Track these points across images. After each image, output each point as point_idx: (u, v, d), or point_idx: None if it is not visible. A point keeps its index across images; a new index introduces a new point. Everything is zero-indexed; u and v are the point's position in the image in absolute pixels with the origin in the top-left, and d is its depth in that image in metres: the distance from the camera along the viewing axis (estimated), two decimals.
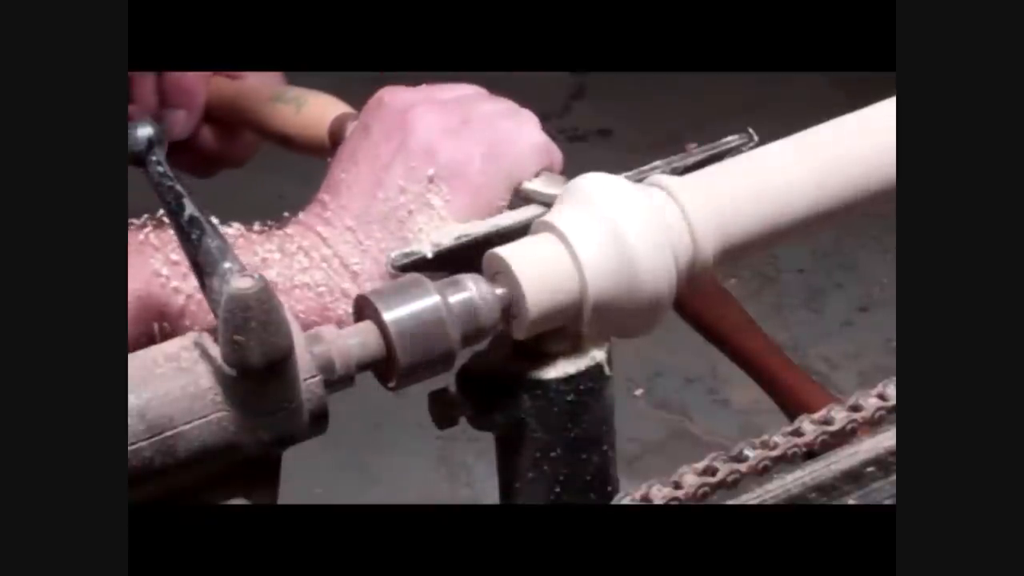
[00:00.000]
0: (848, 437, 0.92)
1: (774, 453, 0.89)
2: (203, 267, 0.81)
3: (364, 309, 0.83)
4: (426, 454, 2.83)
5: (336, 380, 0.80)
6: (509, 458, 0.91)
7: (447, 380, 0.91)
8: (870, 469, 0.92)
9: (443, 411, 0.92)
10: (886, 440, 0.93)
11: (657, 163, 0.97)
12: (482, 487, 2.70)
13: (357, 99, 1.10)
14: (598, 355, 0.90)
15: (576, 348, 0.90)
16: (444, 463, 2.85)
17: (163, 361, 0.77)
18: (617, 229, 0.85)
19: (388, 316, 0.82)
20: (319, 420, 0.79)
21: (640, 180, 0.91)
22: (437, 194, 0.96)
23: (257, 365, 0.74)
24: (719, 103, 3.51)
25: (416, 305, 0.82)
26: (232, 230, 0.94)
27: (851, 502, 0.90)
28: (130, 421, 0.75)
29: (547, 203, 0.93)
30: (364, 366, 0.82)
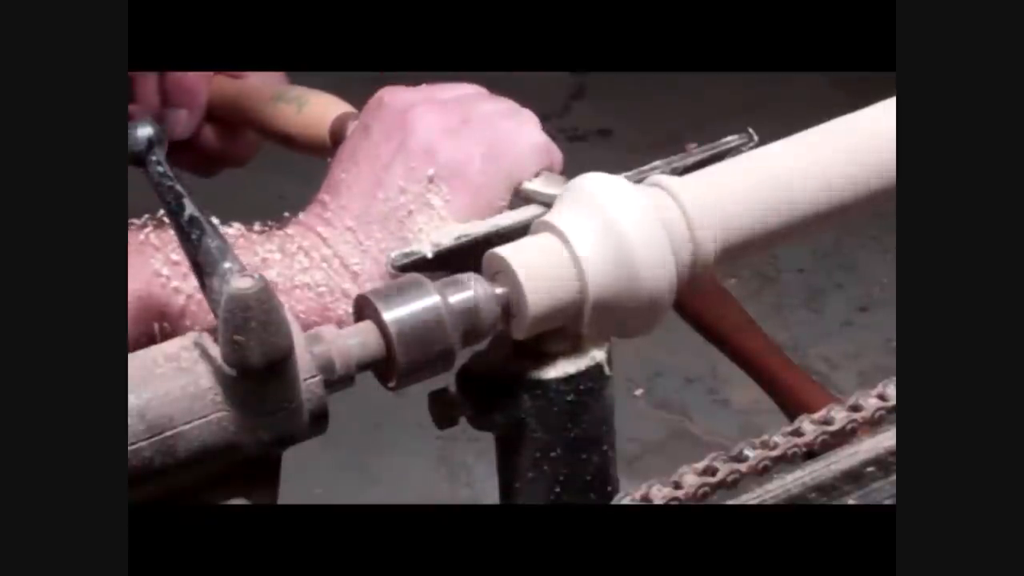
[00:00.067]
0: (848, 437, 0.92)
1: (774, 453, 0.89)
2: (203, 267, 0.81)
3: (364, 309, 0.83)
4: (426, 454, 2.83)
5: (336, 380, 0.80)
6: (509, 458, 0.91)
7: (447, 380, 0.91)
8: (870, 469, 0.92)
9: (443, 411, 0.92)
10: (886, 440, 0.93)
11: (657, 163, 0.97)
12: (482, 487, 2.70)
13: (357, 99, 1.11)
14: (598, 355, 0.90)
15: (576, 348, 0.90)
16: (444, 463, 2.85)
17: (163, 361, 0.77)
18: (617, 229, 0.85)
19: (388, 316, 0.82)
20: (319, 420, 0.79)
21: (640, 180, 0.91)
22: (437, 194, 0.96)
23: (257, 365, 0.74)
24: (719, 103, 3.51)
25: (416, 305, 0.82)
26: (232, 230, 0.94)
27: (851, 502, 0.90)
28: (130, 421, 0.75)
29: (547, 203, 0.93)
30: (364, 366, 0.82)
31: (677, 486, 0.87)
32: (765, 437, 0.89)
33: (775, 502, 0.90)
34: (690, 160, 0.97)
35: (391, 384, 0.83)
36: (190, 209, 0.82)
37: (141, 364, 0.77)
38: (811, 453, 0.91)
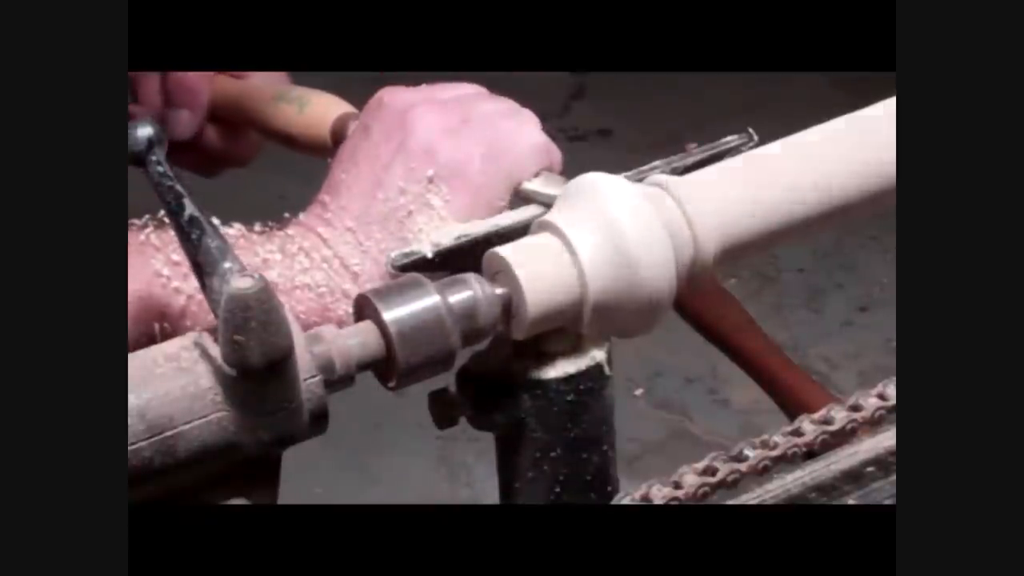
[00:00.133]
0: (848, 437, 0.92)
1: (774, 453, 0.89)
2: (203, 267, 0.81)
3: (364, 309, 0.83)
4: (426, 454, 2.83)
5: (336, 380, 0.80)
6: (509, 458, 0.92)
7: (447, 380, 0.91)
8: (870, 469, 0.92)
9: (443, 411, 0.92)
10: (886, 440, 0.93)
11: (657, 163, 0.97)
12: (482, 487, 2.70)
13: (357, 99, 1.11)
14: (598, 355, 0.90)
15: (576, 348, 0.90)
16: (444, 463, 2.85)
17: (163, 361, 0.77)
18: (617, 229, 0.85)
19: (388, 316, 0.82)
20: (319, 420, 0.79)
21: (640, 180, 0.91)
22: (437, 194, 0.96)
23: (257, 365, 0.74)
24: (719, 103, 3.51)
25: (416, 305, 0.82)
26: (233, 231, 0.94)
27: (851, 502, 0.90)
28: (130, 421, 0.75)
29: (547, 203, 0.93)
30: (364, 366, 0.82)
31: (677, 486, 0.87)
32: (765, 437, 0.89)
33: (775, 502, 0.90)
34: (690, 160, 0.97)
35: (391, 384, 0.83)
36: (190, 209, 0.82)
37: (141, 364, 0.77)
38: (811, 453, 0.91)
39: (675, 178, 0.89)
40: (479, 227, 0.94)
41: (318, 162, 1.09)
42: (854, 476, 0.92)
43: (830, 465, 0.92)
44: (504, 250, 0.86)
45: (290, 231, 0.97)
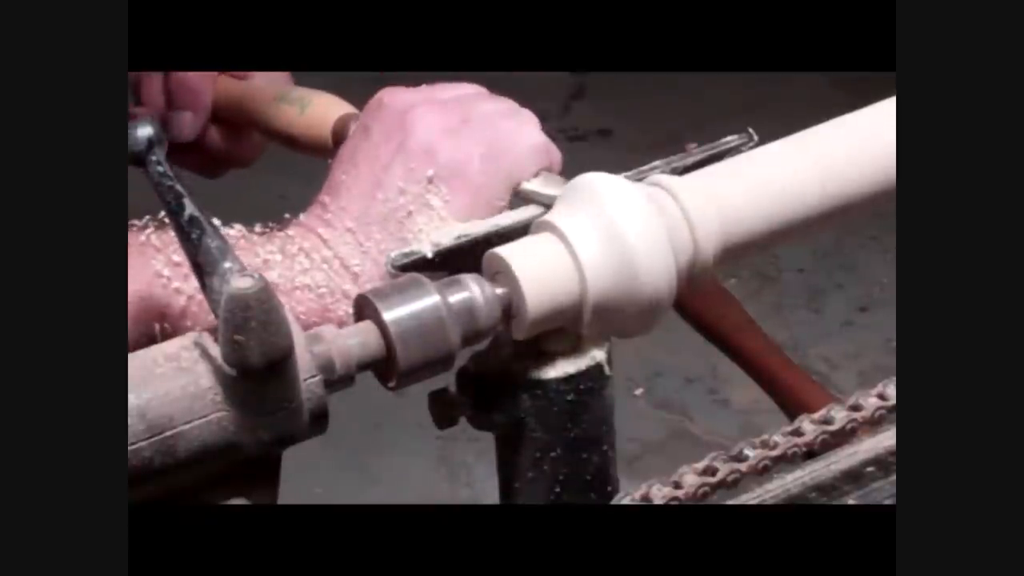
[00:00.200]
0: (848, 437, 0.92)
1: (774, 453, 0.89)
2: (203, 267, 0.81)
3: (364, 309, 0.83)
4: (426, 454, 2.83)
5: (336, 380, 0.80)
6: (509, 458, 0.92)
7: (447, 380, 0.91)
8: (870, 469, 0.92)
9: (443, 411, 0.92)
10: (886, 440, 0.93)
11: (657, 163, 0.97)
12: (482, 487, 2.70)
13: (357, 99, 1.11)
14: (598, 355, 0.90)
15: (576, 348, 0.90)
16: (444, 463, 2.85)
17: (163, 361, 0.77)
18: (617, 229, 0.85)
19: (388, 316, 0.82)
20: (319, 420, 0.79)
21: (640, 180, 0.91)
22: (436, 194, 0.96)
23: (257, 365, 0.74)
24: (719, 103, 3.51)
25: (416, 305, 0.82)
26: (234, 231, 0.94)
27: (851, 502, 0.90)
28: (130, 421, 0.75)
29: (546, 203, 0.93)
30: (364, 366, 0.82)
31: (677, 486, 0.87)
32: (765, 437, 0.89)
33: (775, 502, 0.90)
34: (690, 160, 0.97)
35: (391, 384, 0.83)
36: (190, 209, 0.82)
37: (141, 364, 0.77)
38: (811, 453, 0.91)
39: (675, 178, 0.89)
40: (479, 227, 0.94)
41: (318, 163, 1.09)
42: (854, 476, 0.92)
43: (830, 465, 0.92)
44: (504, 250, 0.86)
45: (290, 232, 0.97)
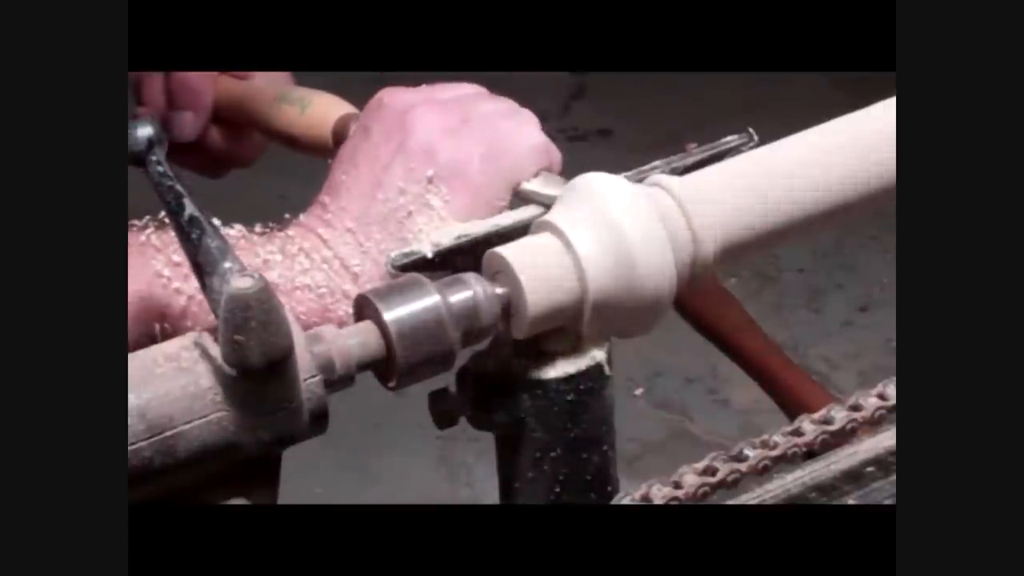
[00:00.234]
0: (848, 437, 0.92)
1: (774, 453, 0.89)
2: (203, 267, 0.81)
3: (364, 309, 0.83)
4: (426, 454, 2.83)
5: (336, 380, 0.80)
6: (509, 458, 0.92)
7: (447, 380, 0.91)
8: (870, 469, 0.92)
9: (443, 411, 0.92)
10: (886, 440, 0.93)
11: (657, 163, 0.97)
12: (482, 487, 2.70)
13: (357, 99, 1.11)
14: (598, 355, 0.90)
15: (576, 348, 0.90)
16: (444, 463, 2.85)
17: (163, 361, 0.77)
18: (617, 229, 0.85)
19: (388, 316, 0.82)
20: (319, 420, 0.79)
21: (640, 180, 0.91)
22: (436, 194, 0.96)
23: (257, 365, 0.74)
24: (719, 103, 3.51)
25: (416, 305, 0.82)
26: (234, 232, 0.94)
27: (851, 502, 0.90)
28: (130, 421, 0.75)
29: (546, 203, 0.93)
30: (364, 366, 0.82)
31: (677, 486, 0.87)
32: (765, 437, 0.89)
33: (775, 502, 0.90)
34: (690, 160, 0.97)
35: (391, 384, 0.83)
36: (190, 209, 0.82)
37: (141, 364, 0.77)
38: (811, 453, 0.91)
39: (675, 178, 0.89)
40: (479, 227, 0.94)
41: (318, 163, 1.09)
42: (854, 476, 0.92)
43: (830, 465, 0.92)
44: (504, 250, 0.86)
45: (290, 232, 0.97)
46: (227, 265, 0.80)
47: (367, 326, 0.82)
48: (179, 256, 0.89)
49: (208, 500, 0.79)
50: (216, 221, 0.83)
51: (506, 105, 1.02)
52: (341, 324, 0.87)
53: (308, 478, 2.28)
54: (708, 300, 1.53)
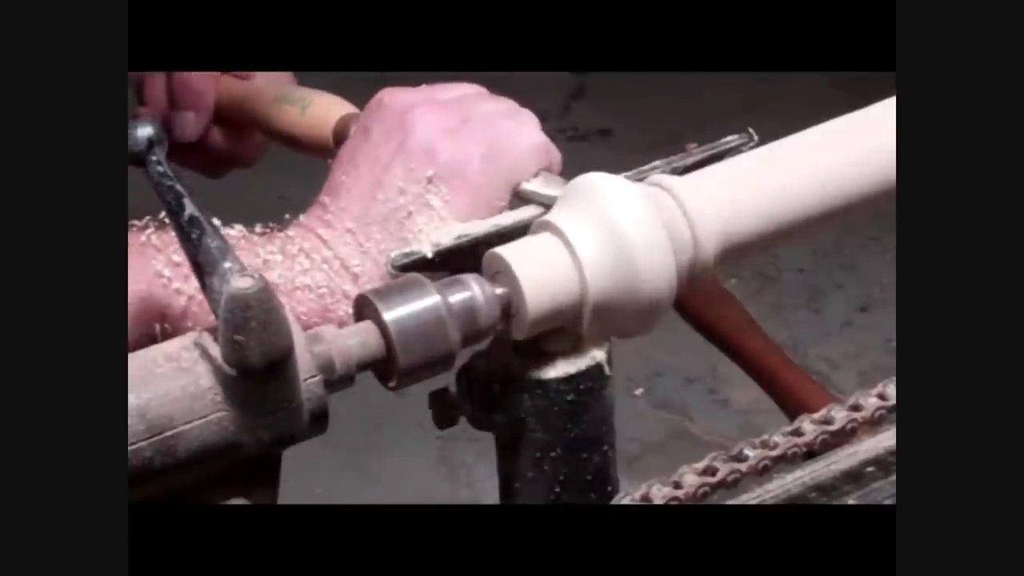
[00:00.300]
0: (848, 437, 0.92)
1: (774, 453, 0.89)
2: (203, 267, 0.81)
3: (364, 309, 0.83)
4: (426, 454, 2.83)
5: (336, 380, 0.80)
6: (509, 458, 0.92)
7: (447, 380, 0.91)
8: (870, 469, 0.92)
9: (443, 411, 0.92)
10: (886, 440, 0.93)
11: (657, 163, 0.97)
12: (482, 487, 2.70)
13: (357, 99, 1.11)
14: (598, 355, 0.90)
15: (576, 348, 0.90)
16: (444, 463, 2.85)
17: (163, 361, 0.77)
18: (617, 229, 0.85)
19: (388, 316, 0.82)
20: (319, 420, 0.79)
21: (640, 180, 0.91)
22: (436, 194, 0.96)
23: (257, 365, 0.74)
24: (719, 103, 3.51)
25: (416, 305, 0.82)
26: (234, 232, 0.94)
27: (851, 502, 0.90)
28: (130, 421, 0.75)
29: (545, 204, 0.93)
30: (364, 366, 0.82)
31: (677, 486, 0.87)
32: (765, 437, 0.89)
33: (775, 502, 0.90)
34: (690, 160, 0.97)
35: (391, 384, 0.83)
36: (190, 209, 0.82)
37: (141, 364, 0.77)
38: (811, 453, 0.91)
39: (675, 178, 0.89)
40: (479, 227, 0.94)
41: (318, 163, 1.09)
42: (854, 476, 0.92)
43: (830, 465, 0.92)
44: (504, 250, 0.86)
45: (290, 232, 0.97)
46: (227, 265, 0.80)
47: (367, 326, 0.82)
48: (179, 256, 0.89)
49: (208, 500, 0.79)
50: (216, 221, 0.83)
51: (506, 105, 1.02)
52: (341, 324, 0.87)
53: (308, 478, 2.28)
54: (708, 300, 1.53)
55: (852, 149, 0.92)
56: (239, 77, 1.24)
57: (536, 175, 0.98)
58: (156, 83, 1.23)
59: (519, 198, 0.97)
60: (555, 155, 1.00)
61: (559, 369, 0.89)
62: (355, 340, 0.81)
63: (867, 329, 3.12)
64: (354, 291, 0.94)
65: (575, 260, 0.85)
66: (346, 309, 0.94)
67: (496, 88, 1.04)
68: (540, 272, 0.85)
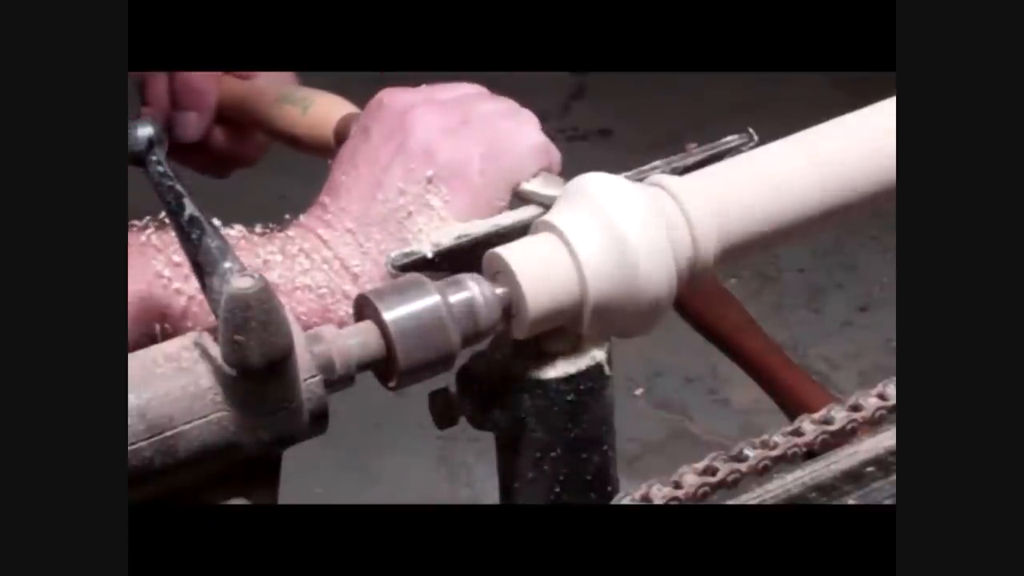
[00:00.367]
0: (848, 437, 0.92)
1: (774, 453, 0.89)
2: (203, 267, 0.81)
3: (364, 309, 0.83)
4: (426, 454, 2.83)
5: (336, 380, 0.80)
6: (509, 458, 0.92)
7: (447, 380, 0.91)
8: (870, 469, 0.92)
9: (443, 411, 0.92)
10: (886, 440, 0.93)
11: (657, 163, 0.97)
12: (482, 487, 2.70)
13: (358, 99, 1.11)
14: (598, 355, 0.90)
15: (576, 348, 0.90)
16: (444, 463, 2.85)
17: (163, 361, 0.77)
18: (617, 229, 0.85)
19: (388, 316, 0.82)
20: (319, 420, 0.79)
21: (640, 180, 0.91)
22: (436, 195, 0.96)
23: (257, 365, 0.74)
24: (719, 103, 3.51)
25: (416, 305, 0.82)
26: (234, 232, 0.94)
27: (851, 502, 0.90)
28: (130, 421, 0.75)
29: (545, 204, 0.93)
30: (364, 366, 0.82)
31: (677, 486, 0.87)
32: (765, 437, 0.89)
33: (775, 502, 0.90)
34: (690, 160, 0.97)
35: (391, 384, 0.83)
36: (190, 209, 0.82)
37: (141, 364, 0.77)
38: (811, 453, 0.91)
39: (675, 178, 0.89)
40: (479, 227, 0.94)
41: (318, 162, 1.09)
42: (854, 476, 0.92)
43: (830, 465, 0.92)
44: (504, 250, 0.86)
45: (290, 232, 0.97)
46: (227, 265, 0.80)
47: (367, 326, 0.82)
48: (179, 256, 0.89)
49: (208, 500, 0.79)
50: (216, 221, 0.83)
51: (506, 105, 1.02)
52: (341, 324, 0.87)
53: (308, 478, 2.28)
54: (708, 300, 1.53)
55: (852, 149, 0.92)
56: (241, 77, 1.24)
57: (536, 175, 0.98)
58: (158, 83, 1.23)
59: (519, 198, 0.97)
60: (555, 155, 1.00)
61: (559, 369, 0.89)
62: (355, 340, 0.81)
63: (867, 329, 3.12)
64: (354, 291, 0.94)
65: (575, 260, 0.85)
66: (346, 309, 0.94)
67: (496, 88, 1.04)
68: (540, 272, 0.85)
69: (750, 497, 0.90)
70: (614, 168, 0.92)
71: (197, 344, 0.78)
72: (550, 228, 0.87)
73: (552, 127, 1.18)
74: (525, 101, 1.03)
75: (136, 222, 0.92)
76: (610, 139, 3.80)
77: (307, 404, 0.78)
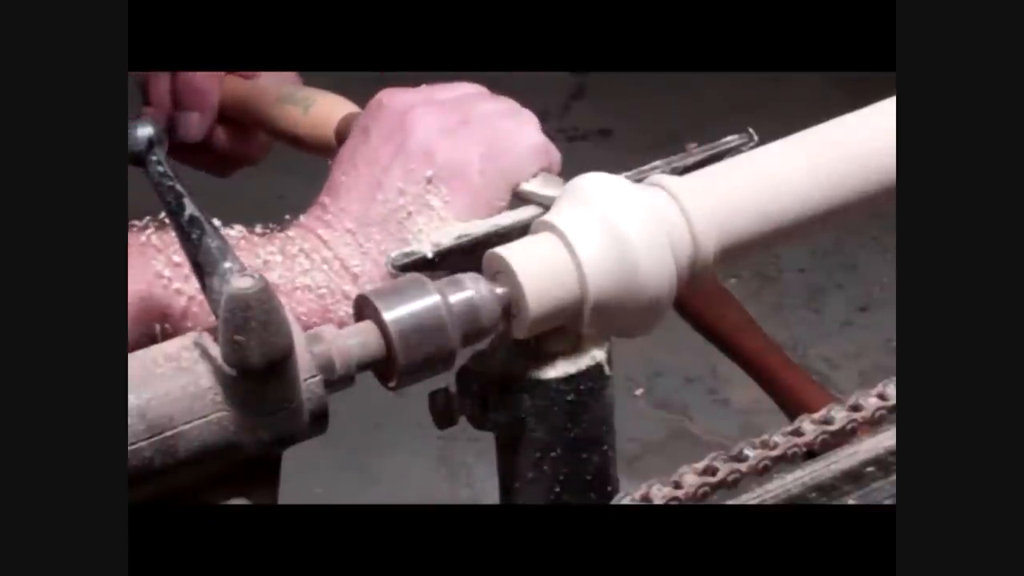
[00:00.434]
0: (848, 437, 0.92)
1: (774, 453, 0.89)
2: (203, 267, 0.81)
3: (364, 309, 0.83)
4: (426, 454, 2.83)
5: (336, 380, 0.80)
6: (509, 458, 0.92)
7: (447, 380, 0.91)
8: (870, 469, 0.92)
9: (443, 411, 0.92)
10: (886, 440, 0.93)
11: (657, 163, 0.97)
12: (482, 487, 2.70)
13: (358, 99, 1.11)
14: (598, 355, 0.90)
15: (576, 348, 0.90)
16: (444, 463, 2.85)
17: (163, 361, 0.77)
18: (617, 229, 0.85)
19: (388, 316, 0.82)
20: (319, 420, 0.79)
21: (640, 180, 0.91)
22: (436, 195, 0.96)
23: (257, 365, 0.74)
24: (719, 103, 3.51)
25: (416, 305, 0.82)
26: (234, 232, 0.94)
27: (851, 502, 0.90)
28: (130, 421, 0.75)
29: (545, 204, 0.93)
30: (364, 366, 0.82)
31: (677, 486, 0.87)
32: (765, 437, 0.89)
33: (775, 502, 0.90)
34: (690, 160, 0.97)
35: (391, 384, 0.83)
36: (190, 209, 0.82)
37: (141, 364, 0.77)
38: (811, 453, 0.91)
39: (675, 178, 0.89)
40: (479, 227, 0.94)
41: (319, 162, 1.09)
42: (854, 476, 0.92)
43: (830, 465, 0.92)
44: (504, 250, 0.86)
45: (290, 233, 0.97)
46: (227, 265, 0.80)
47: (367, 326, 0.82)
48: (179, 256, 0.89)
49: (208, 500, 0.79)
50: (216, 221, 0.83)
51: (506, 105, 1.02)
52: (341, 324, 0.87)
53: (308, 478, 2.29)
54: (708, 300, 1.53)
55: (852, 149, 0.92)
56: (243, 77, 1.24)
57: (536, 175, 0.98)
58: (160, 83, 1.23)
59: (519, 198, 0.97)
60: (555, 155, 1.00)
61: (559, 369, 0.89)
62: (355, 340, 0.81)
63: (867, 329, 3.12)
64: (354, 291, 0.94)
65: (575, 259, 0.85)
66: (346, 309, 0.94)
67: (496, 88, 1.04)
68: (540, 271, 0.85)
69: (750, 497, 0.90)
70: (614, 168, 0.92)
71: (197, 344, 0.78)
72: (550, 228, 0.87)
73: (552, 127, 1.18)
74: (525, 101, 1.03)
75: (136, 222, 0.92)
76: (610, 139, 3.80)
77: (307, 404, 0.78)
